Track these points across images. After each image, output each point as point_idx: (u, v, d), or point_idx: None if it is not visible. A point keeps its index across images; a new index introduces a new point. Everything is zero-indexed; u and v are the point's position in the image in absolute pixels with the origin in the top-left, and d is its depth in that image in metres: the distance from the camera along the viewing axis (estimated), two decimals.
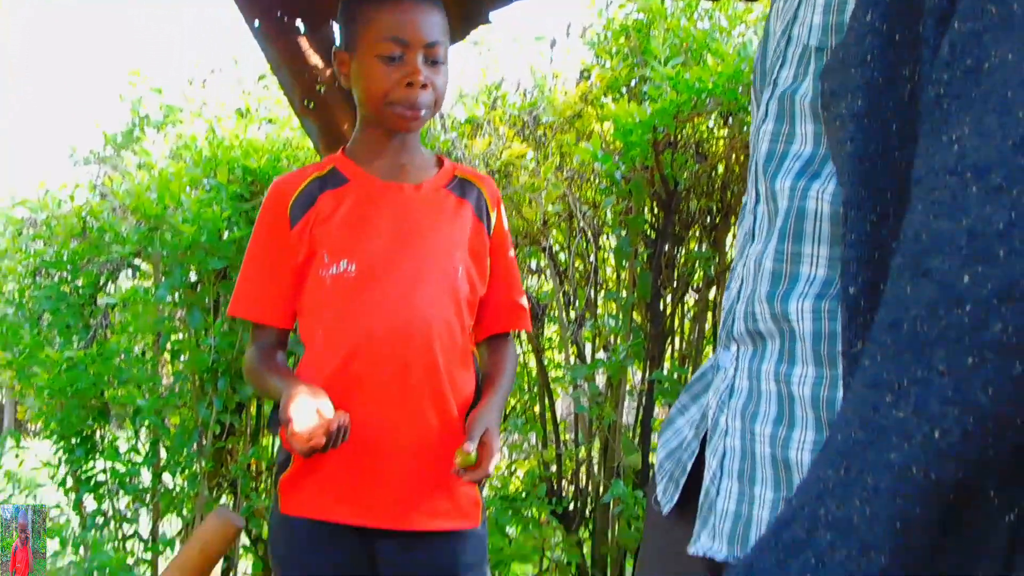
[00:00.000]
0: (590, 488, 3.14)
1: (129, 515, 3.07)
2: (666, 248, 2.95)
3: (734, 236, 3.26)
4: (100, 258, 3.04)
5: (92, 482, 2.99)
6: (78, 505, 3.04)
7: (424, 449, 1.74)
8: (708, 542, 0.92)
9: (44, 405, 3.01)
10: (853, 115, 0.87)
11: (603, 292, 3.27)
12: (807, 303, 0.90)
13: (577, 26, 3.58)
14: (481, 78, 3.57)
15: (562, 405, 3.39)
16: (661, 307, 3.00)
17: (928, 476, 0.69)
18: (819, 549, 0.73)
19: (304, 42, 2.47)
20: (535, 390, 3.11)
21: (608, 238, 3.22)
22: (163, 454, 2.98)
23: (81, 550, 2.99)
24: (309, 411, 1.57)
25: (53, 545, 3.00)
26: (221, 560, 3.01)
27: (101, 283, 3.14)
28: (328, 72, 2.43)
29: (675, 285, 3.13)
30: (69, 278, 3.08)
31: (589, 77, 3.38)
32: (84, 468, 3.00)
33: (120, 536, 3.03)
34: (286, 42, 2.46)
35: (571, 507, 3.07)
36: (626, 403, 3.04)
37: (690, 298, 3.28)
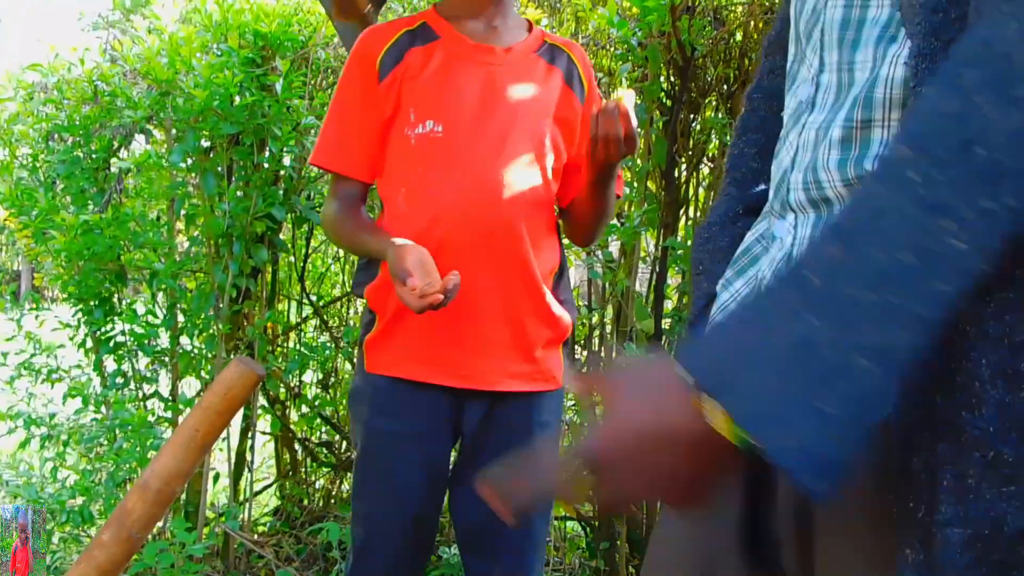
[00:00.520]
0: (603, 352, 3.18)
1: (149, 375, 3.13)
2: (681, 116, 2.93)
3: None
4: (112, 123, 3.02)
5: (111, 343, 3.03)
6: (98, 365, 3.10)
7: (509, 312, 1.77)
8: None
9: (61, 268, 3.04)
10: None
11: None
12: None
13: None
14: None
15: (575, 272, 3.41)
16: (676, 175, 2.99)
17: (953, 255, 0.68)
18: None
19: None
20: None
21: None
22: (180, 317, 3.02)
23: (103, 409, 3.06)
24: (427, 267, 1.58)
25: (75, 403, 3.07)
26: (241, 413, 3.08)
27: (114, 148, 3.13)
28: None
29: (690, 153, 3.11)
30: (82, 143, 3.07)
31: None
32: (103, 330, 3.04)
33: (140, 396, 3.09)
34: None
35: (584, 371, 3.11)
36: (639, 270, 3.06)
37: (705, 166, 3.26)
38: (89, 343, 3.12)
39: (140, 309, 3.09)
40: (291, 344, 3.54)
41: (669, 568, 1.05)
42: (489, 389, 1.78)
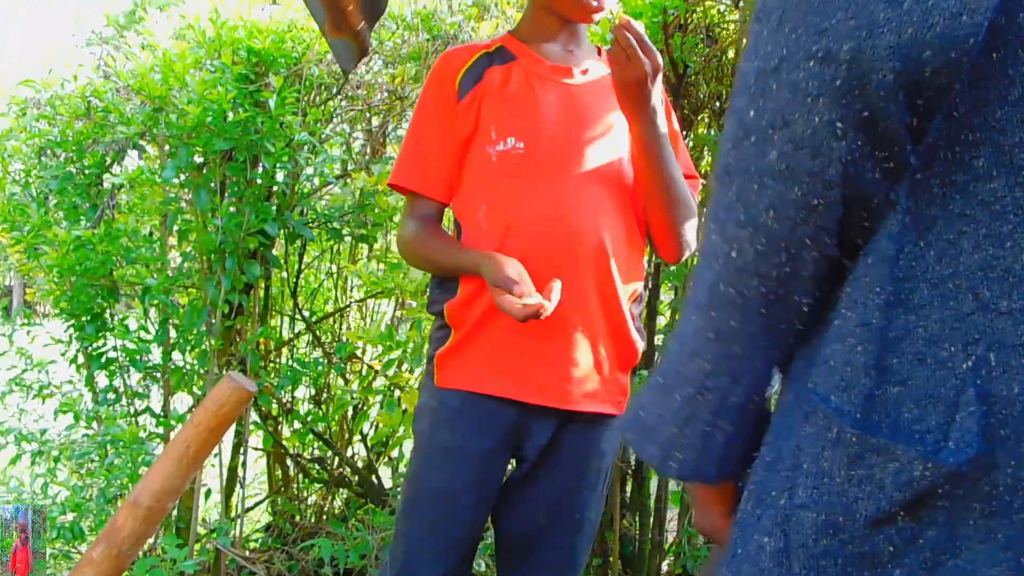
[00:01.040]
0: None
1: (140, 391, 3.12)
2: None
3: None
4: (105, 138, 3.02)
5: (103, 359, 3.03)
6: (90, 381, 3.09)
7: (589, 330, 1.77)
8: None
9: (53, 284, 3.03)
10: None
11: None
12: None
13: None
14: None
15: None
16: None
17: (731, 292, 0.78)
18: (668, 356, 0.88)
19: None
20: None
21: None
22: (172, 333, 3.01)
23: (94, 425, 3.05)
24: (525, 278, 1.62)
25: (67, 419, 3.06)
26: (233, 429, 3.07)
27: (107, 163, 3.13)
28: None
29: None
30: (75, 158, 3.07)
31: None
32: (95, 346, 3.03)
33: (132, 411, 3.08)
34: None
35: None
36: None
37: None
38: (81, 359, 3.11)
39: (132, 325, 3.08)
40: (283, 360, 3.53)
41: None
42: (562, 407, 1.78)
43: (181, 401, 3.22)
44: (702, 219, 1.07)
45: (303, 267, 3.48)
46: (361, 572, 3.11)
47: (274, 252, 3.15)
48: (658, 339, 3.07)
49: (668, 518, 3.33)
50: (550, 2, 1.83)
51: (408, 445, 3.46)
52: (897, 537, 0.72)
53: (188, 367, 3.03)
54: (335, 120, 3.48)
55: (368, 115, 3.45)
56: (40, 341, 3.22)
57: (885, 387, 0.73)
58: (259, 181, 2.94)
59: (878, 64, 0.67)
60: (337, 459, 3.54)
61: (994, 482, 0.70)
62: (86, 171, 3.08)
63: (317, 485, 3.60)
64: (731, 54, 3.05)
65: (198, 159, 2.89)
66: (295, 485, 3.60)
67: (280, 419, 3.41)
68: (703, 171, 3.21)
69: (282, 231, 3.05)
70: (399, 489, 3.45)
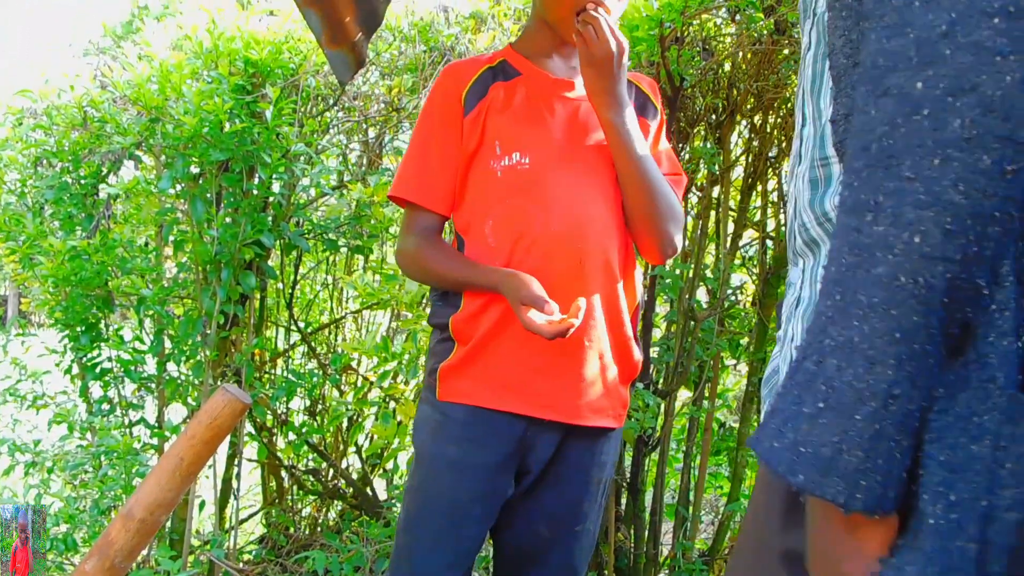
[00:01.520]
0: None
1: (135, 402, 3.12)
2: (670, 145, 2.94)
3: (739, 134, 3.24)
4: (101, 148, 3.02)
5: (98, 369, 3.02)
6: (84, 392, 3.08)
7: (594, 344, 1.78)
8: None
9: (48, 294, 3.03)
10: (846, 5, 0.88)
11: None
12: (838, 199, 0.92)
13: None
14: None
15: None
16: None
17: (917, 283, 0.71)
18: (828, 375, 0.76)
19: None
20: None
21: None
22: (167, 343, 3.00)
23: (88, 435, 3.04)
24: (546, 295, 1.63)
25: (61, 430, 3.05)
26: (228, 440, 3.07)
27: (103, 174, 3.12)
28: None
29: None
30: (71, 168, 3.07)
31: None
32: (89, 356, 3.02)
33: (126, 422, 3.08)
34: None
35: None
36: None
37: (693, 196, 3.27)
38: (75, 369, 3.10)
39: (127, 335, 3.08)
40: (278, 371, 3.53)
41: None
42: (570, 422, 1.78)
43: (176, 412, 3.21)
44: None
45: (299, 278, 3.47)
46: None
47: (270, 263, 3.14)
48: (653, 352, 3.07)
49: (663, 531, 3.33)
50: (548, 19, 1.84)
51: (403, 457, 3.46)
52: None
53: (183, 378, 3.02)
54: (332, 131, 3.48)
55: (365, 126, 3.45)
56: (34, 351, 3.22)
57: None
58: (255, 192, 2.93)
59: None
60: (332, 471, 3.53)
61: None
62: (82, 181, 3.08)
63: (311, 497, 3.59)
64: (727, 67, 3.05)
65: (194, 170, 2.89)
66: (289, 497, 3.59)
67: (275, 430, 3.40)
68: (699, 183, 3.21)
69: (278, 242, 3.05)
70: (394, 501, 3.44)
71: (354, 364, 3.50)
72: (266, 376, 3.39)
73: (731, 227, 3.27)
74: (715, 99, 3.08)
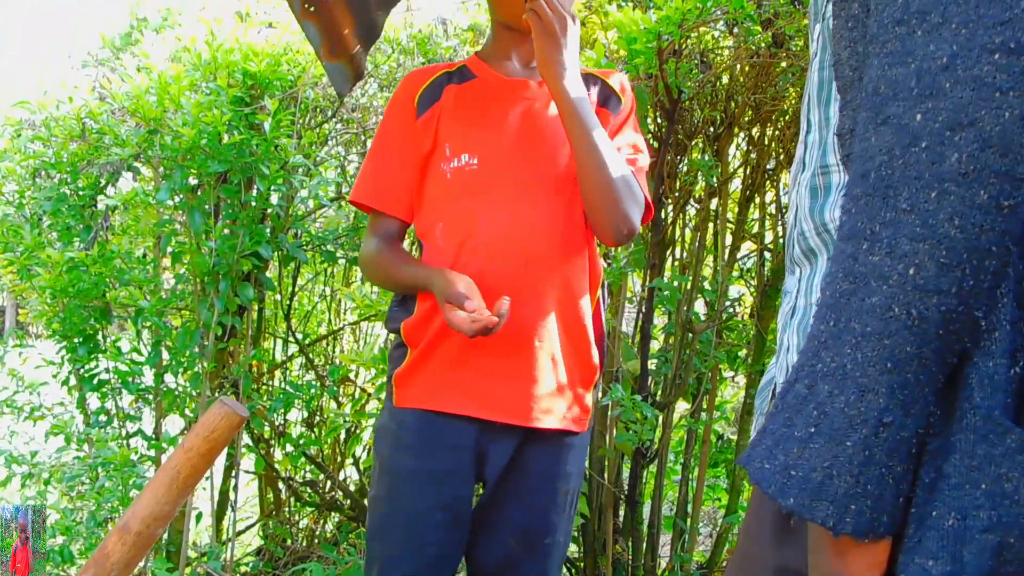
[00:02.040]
0: None
1: (132, 413, 3.11)
2: (668, 157, 2.94)
3: (737, 146, 3.25)
4: (100, 160, 3.02)
5: (95, 381, 3.02)
6: (81, 403, 3.07)
7: (546, 345, 1.76)
8: None
9: (46, 305, 3.02)
10: (852, 15, 0.88)
11: None
12: (837, 211, 0.92)
13: None
14: None
15: None
16: (662, 216, 3.00)
17: (910, 314, 0.72)
18: (820, 400, 0.77)
19: None
20: None
21: None
22: (165, 355, 3.00)
23: (85, 447, 3.03)
24: (475, 293, 1.61)
25: (58, 441, 3.04)
26: (225, 452, 3.06)
27: (102, 185, 3.12)
28: None
29: (677, 195, 3.13)
30: (69, 180, 3.07)
31: None
32: (87, 367, 3.02)
33: (124, 434, 3.07)
34: None
35: None
36: (626, 310, 3.06)
37: (691, 208, 3.28)
38: (73, 380, 3.10)
39: (125, 346, 3.07)
40: (276, 382, 3.52)
41: None
42: (520, 424, 1.76)
43: (173, 423, 3.21)
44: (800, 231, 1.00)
45: (297, 290, 3.47)
46: None
47: (268, 274, 3.14)
48: (651, 364, 3.07)
49: (661, 543, 3.32)
50: (497, 14, 1.86)
51: None
52: None
53: (180, 389, 3.02)
54: (330, 143, 3.48)
55: (363, 138, 3.45)
56: (32, 362, 3.21)
57: None
58: (253, 203, 2.93)
59: None
60: (329, 482, 3.52)
61: None
62: (80, 192, 3.07)
63: (309, 508, 3.58)
64: (725, 80, 3.06)
65: (192, 181, 2.89)
66: (287, 509, 3.58)
67: (272, 442, 3.40)
68: (697, 195, 3.22)
69: (276, 253, 3.05)
70: None
71: (352, 376, 3.50)
72: (264, 388, 3.39)
73: (729, 239, 3.28)
74: (713, 111, 3.09)
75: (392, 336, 1.91)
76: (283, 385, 3.42)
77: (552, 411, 1.78)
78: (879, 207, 0.73)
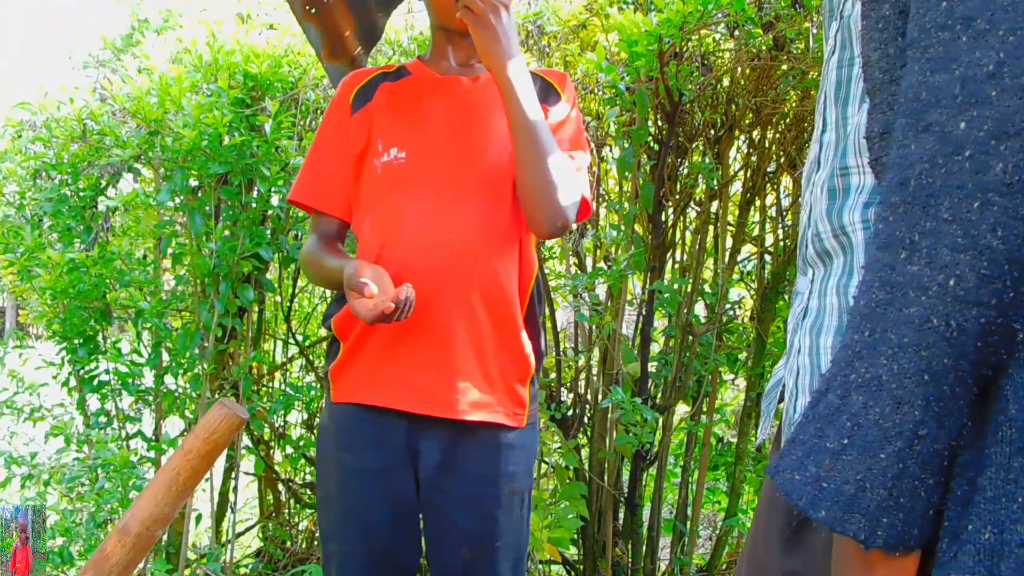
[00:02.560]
0: (589, 395, 3.18)
1: (132, 415, 3.11)
2: (669, 160, 2.95)
3: (738, 149, 3.25)
4: (100, 161, 3.02)
5: (95, 382, 3.01)
6: (81, 404, 3.07)
7: (472, 338, 1.74)
8: None
9: (46, 306, 3.02)
10: (883, 17, 0.87)
11: (605, 203, 3.27)
12: (856, 214, 0.91)
13: None
14: None
15: (562, 314, 3.41)
16: (663, 219, 3.00)
17: (949, 326, 0.70)
18: (853, 411, 0.76)
19: None
20: None
21: (611, 150, 3.22)
22: (165, 356, 3.00)
23: (85, 448, 3.03)
24: (381, 282, 1.59)
25: (57, 442, 3.04)
26: (225, 454, 3.06)
27: (102, 186, 3.12)
28: None
29: (677, 197, 3.13)
30: (70, 181, 3.07)
31: None
32: (87, 368, 3.02)
33: (123, 435, 3.07)
34: None
35: (570, 413, 3.11)
36: (626, 313, 3.06)
37: (692, 210, 3.28)
38: (72, 381, 3.10)
39: (125, 348, 3.07)
40: (276, 384, 3.52)
41: None
42: (448, 416, 1.73)
43: (173, 425, 3.21)
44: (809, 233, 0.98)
45: (297, 291, 3.47)
46: None
47: (268, 276, 3.14)
48: (651, 366, 3.07)
49: (661, 546, 3.32)
50: (433, 17, 1.87)
51: None
52: None
53: (180, 391, 3.01)
54: None
55: None
56: (32, 363, 3.21)
57: None
58: (254, 205, 2.93)
59: None
60: None
61: None
62: (81, 194, 3.07)
63: (309, 510, 3.58)
64: (726, 82, 3.06)
65: (193, 182, 2.89)
66: (286, 510, 3.58)
67: (272, 444, 3.40)
68: (698, 198, 3.22)
69: (276, 255, 3.05)
70: None
71: None
72: (264, 389, 3.39)
73: (729, 242, 3.28)
74: (714, 114, 3.09)
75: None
76: (283, 387, 3.42)
77: (480, 404, 1.75)
78: (919, 216, 0.72)
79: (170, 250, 2.96)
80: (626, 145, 2.86)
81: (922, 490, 0.73)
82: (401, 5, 2.46)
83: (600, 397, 3.07)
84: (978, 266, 0.69)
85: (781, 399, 1.04)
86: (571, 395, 3.22)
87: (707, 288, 3.26)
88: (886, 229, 0.74)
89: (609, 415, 3.01)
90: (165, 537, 3.02)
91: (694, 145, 3.13)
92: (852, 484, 0.75)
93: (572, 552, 3.25)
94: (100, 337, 3.09)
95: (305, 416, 3.48)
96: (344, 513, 1.83)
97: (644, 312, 3.01)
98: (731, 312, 3.50)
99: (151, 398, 3.07)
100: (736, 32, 2.92)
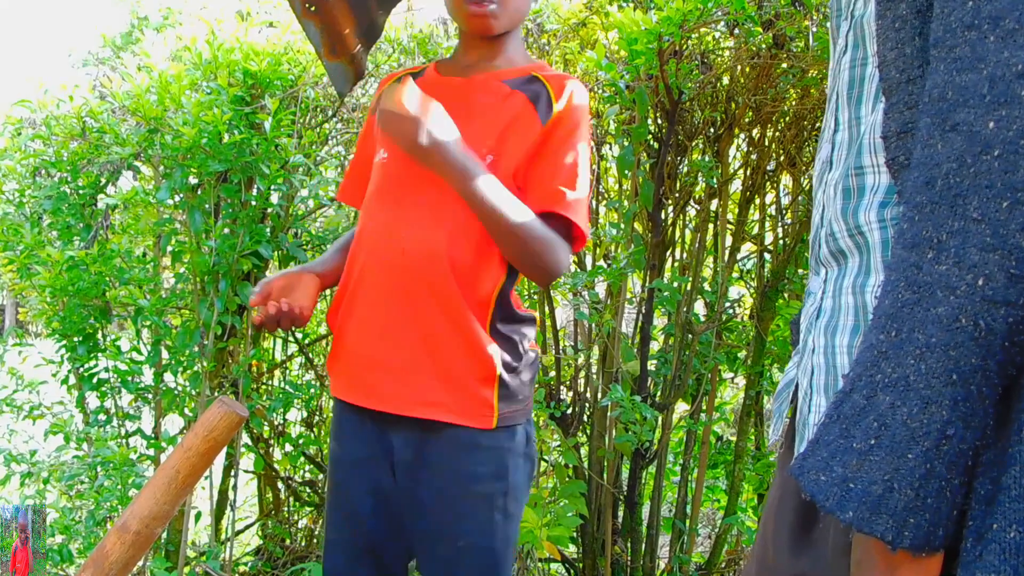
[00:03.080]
0: (588, 394, 3.18)
1: (132, 413, 3.11)
2: (669, 158, 2.94)
3: (737, 147, 3.25)
4: (100, 159, 3.02)
5: (95, 380, 3.02)
6: (81, 402, 3.07)
7: (428, 340, 1.73)
8: None
9: (46, 304, 3.02)
10: (900, 16, 0.87)
11: (605, 201, 3.27)
12: (872, 213, 0.90)
13: None
14: None
15: (562, 312, 3.41)
16: (662, 217, 3.00)
17: (978, 325, 0.70)
18: (880, 411, 0.75)
19: None
20: (535, 297, 3.13)
21: (611, 148, 3.21)
22: (165, 354, 3.00)
23: (85, 446, 3.03)
24: (287, 289, 1.76)
25: (57, 440, 3.04)
26: (224, 451, 3.06)
27: (102, 184, 3.12)
28: None
29: (677, 195, 3.13)
30: (70, 178, 3.07)
31: None
32: (86, 366, 3.02)
33: (123, 433, 3.07)
34: None
35: (569, 411, 3.11)
36: (625, 311, 3.06)
37: (691, 209, 3.28)
38: (72, 379, 3.10)
39: (124, 345, 3.07)
40: (276, 382, 3.52)
41: None
42: (405, 415, 1.74)
43: (172, 423, 3.21)
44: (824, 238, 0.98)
45: None
46: None
47: (268, 274, 3.14)
48: (651, 364, 3.07)
49: (660, 544, 3.32)
50: (453, 17, 1.85)
51: None
52: None
53: (180, 389, 3.01)
54: (330, 142, 3.48)
55: None
56: (31, 361, 3.21)
57: None
58: (254, 203, 2.93)
59: None
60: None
61: None
62: (80, 191, 3.07)
63: (308, 508, 3.58)
64: (725, 80, 3.06)
65: (193, 180, 2.89)
66: (286, 508, 3.58)
67: (272, 441, 3.40)
68: (697, 196, 3.22)
69: (276, 253, 3.05)
70: None
71: None
72: (263, 387, 3.39)
73: (729, 240, 3.28)
74: (713, 112, 3.09)
75: None
76: (283, 385, 3.42)
77: (440, 404, 1.74)
78: (946, 216, 0.71)
79: (170, 248, 2.96)
80: (626, 143, 2.86)
81: (948, 490, 0.73)
82: (401, 3, 2.45)
83: (600, 395, 3.06)
84: (1007, 265, 0.69)
85: (793, 399, 1.04)
86: (571, 393, 3.22)
87: (707, 286, 3.26)
88: (912, 229, 0.74)
89: (609, 413, 3.01)
90: (164, 535, 3.02)
91: (694, 143, 3.13)
92: (879, 484, 0.74)
93: (571, 550, 3.25)
94: (100, 335, 3.09)
95: (304, 414, 3.48)
96: (333, 500, 1.90)
97: (644, 310, 3.01)
98: (731, 310, 3.50)
99: (151, 396, 3.07)
100: (736, 30, 2.92)
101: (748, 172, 3.25)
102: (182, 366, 2.97)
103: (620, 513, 3.22)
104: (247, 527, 3.73)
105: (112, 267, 2.92)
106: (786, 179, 3.38)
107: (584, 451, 3.19)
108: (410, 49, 3.28)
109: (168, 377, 3.01)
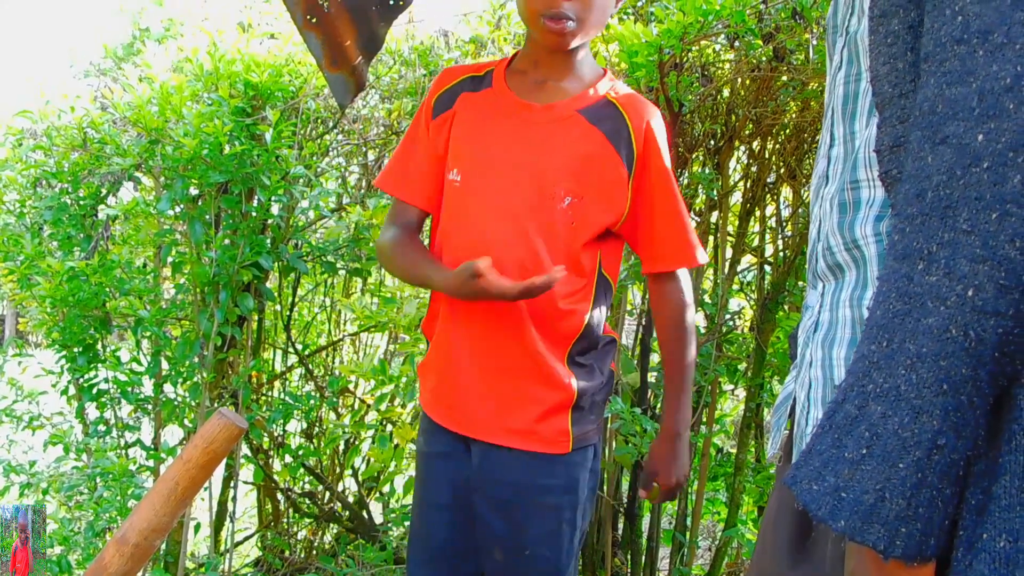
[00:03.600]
0: None
1: (131, 423, 3.11)
2: None
3: (738, 160, 3.25)
4: (101, 170, 3.02)
5: (94, 391, 3.01)
6: (80, 413, 3.07)
7: (502, 370, 1.76)
8: None
9: (46, 315, 3.02)
10: (892, 31, 0.87)
11: None
12: (868, 227, 0.91)
13: None
14: None
15: None
16: None
17: (968, 336, 0.70)
18: (872, 421, 0.76)
19: None
20: None
21: None
22: (165, 365, 3.00)
23: (84, 457, 3.03)
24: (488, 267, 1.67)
25: (56, 451, 3.04)
26: (224, 463, 3.05)
27: (102, 195, 3.13)
28: None
29: None
30: (70, 189, 3.07)
31: None
32: (86, 377, 3.02)
33: (122, 444, 3.07)
34: None
35: None
36: (626, 323, 3.06)
37: (692, 221, 3.28)
38: (72, 390, 3.10)
39: (124, 356, 3.07)
40: (275, 393, 3.52)
41: None
42: (485, 440, 1.79)
43: (172, 434, 3.21)
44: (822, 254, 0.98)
45: (296, 300, 3.47)
46: None
47: (268, 285, 3.14)
48: (651, 376, 3.07)
49: (660, 557, 3.31)
50: (528, 30, 1.81)
51: (400, 480, 3.45)
52: None
53: (180, 399, 3.01)
54: (331, 154, 3.48)
55: (364, 149, 3.45)
56: (31, 372, 3.21)
57: None
58: (254, 214, 2.94)
59: None
60: (328, 494, 3.51)
61: None
62: (81, 202, 3.08)
63: (307, 520, 3.58)
64: (726, 93, 3.06)
65: (193, 191, 2.89)
66: (285, 520, 3.57)
67: (271, 453, 3.39)
68: (698, 208, 3.22)
69: (276, 264, 3.05)
70: (390, 524, 3.43)
71: (351, 387, 3.49)
72: (263, 398, 3.38)
73: (729, 252, 3.28)
74: (714, 125, 3.09)
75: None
76: (282, 396, 3.42)
77: (514, 431, 1.77)
78: (936, 227, 0.72)
79: (170, 259, 2.96)
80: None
81: (939, 500, 0.74)
82: (402, 15, 2.46)
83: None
84: (997, 276, 0.69)
85: (791, 413, 1.04)
86: None
87: (707, 298, 3.25)
88: (903, 240, 0.75)
89: (609, 425, 3.00)
90: (164, 546, 3.01)
91: (694, 155, 3.13)
92: (871, 494, 0.75)
93: None
94: (99, 346, 3.09)
95: (304, 425, 3.47)
96: (417, 493, 1.94)
97: (644, 322, 3.01)
98: (731, 322, 3.50)
99: (150, 407, 3.06)
100: (736, 43, 2.92)
101: (748, 184, 3.25)
102: (182, 377, 2.97)
103: (620, 525, 3.22)
104: (246, 538, 3.72)
105: (112, 278, 2.92)
106: (786, 191, 3.38)
107: None
108: (411, 61, 3.28)
109: (168, 388, 3.01)
